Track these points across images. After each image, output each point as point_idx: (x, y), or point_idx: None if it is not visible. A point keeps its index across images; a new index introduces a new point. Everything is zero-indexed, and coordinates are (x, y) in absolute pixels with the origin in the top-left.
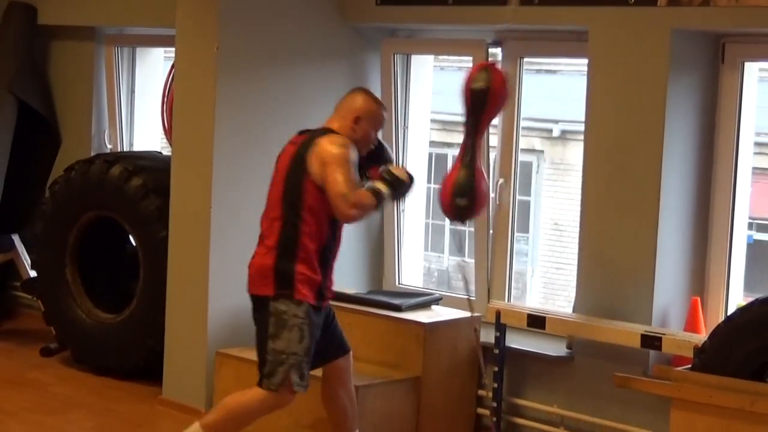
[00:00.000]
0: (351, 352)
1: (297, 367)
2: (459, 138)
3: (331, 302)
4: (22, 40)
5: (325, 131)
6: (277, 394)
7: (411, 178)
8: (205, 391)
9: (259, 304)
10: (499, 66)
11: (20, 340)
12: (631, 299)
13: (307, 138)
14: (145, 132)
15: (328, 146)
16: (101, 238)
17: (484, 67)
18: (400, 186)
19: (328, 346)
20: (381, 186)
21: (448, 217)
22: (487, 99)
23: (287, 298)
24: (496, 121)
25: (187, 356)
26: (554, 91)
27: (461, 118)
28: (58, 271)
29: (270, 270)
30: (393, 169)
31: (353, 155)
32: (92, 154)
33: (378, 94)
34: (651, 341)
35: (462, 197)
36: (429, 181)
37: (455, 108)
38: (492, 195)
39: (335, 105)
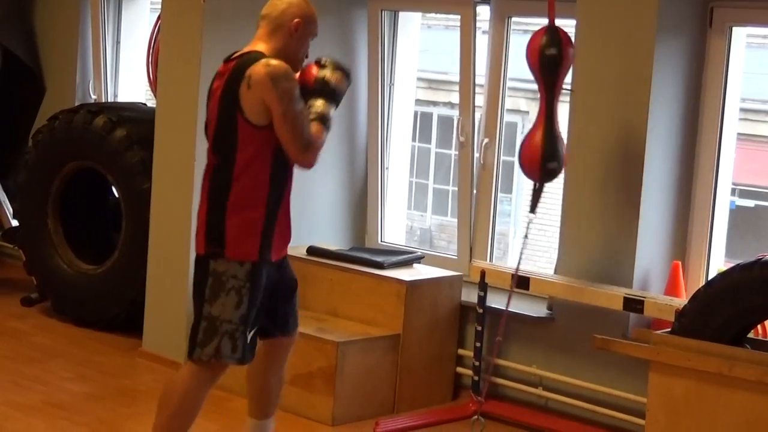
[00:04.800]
0: (296, 333)
1: (230, 336)
2: (445, 97)
3: (314, 258)
4: None
5: (256, 56)
6: (207, 368)
7: (349, 79)
8: (185, 344)
9: (198, 263)
10: (563, 28)
11: (1, 289)
12: (613, 262)
13: (236, 66)
14: (130, 83)
15: (266, 81)
16: (84, 188)
17: (553, 31)
18: (341, 95)
19: (275, 313)
20: (324, 107)
21: (535, 179)
22: (560, 64)
23: (221, 257)
24: (481, 80)
25: (167, 309)
26: None
27: (452, 77)
28: (40, 221)
29: (202, 224)
30: (330, 76)
31: (296, 86)
32: (76, 104)
33: (364, 51)
34: (633, 304)
35: (552, 161)
36: (414, 140)
37: (441, 66)
38: (477, 154)
39: (261, 16)
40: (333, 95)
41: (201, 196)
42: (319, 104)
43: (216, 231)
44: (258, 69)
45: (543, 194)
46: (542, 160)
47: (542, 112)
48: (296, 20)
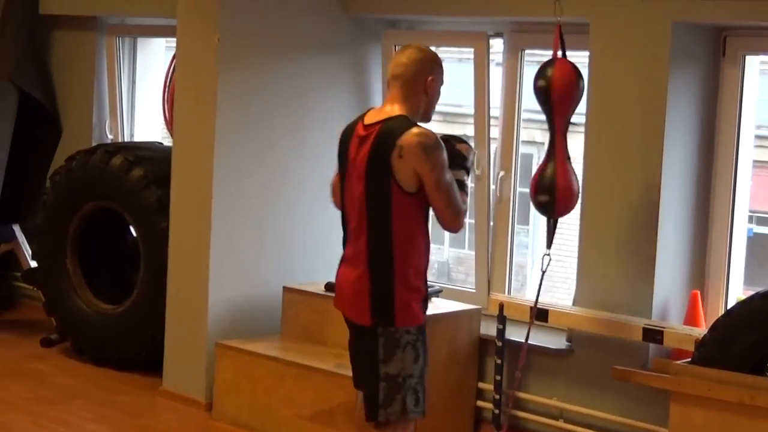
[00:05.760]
0: None
1: (413, 390)
2: (459, 129)
3: (332, 294)
4: (23, 30)
5: (402, 123)
6: (398, 426)
7: (473, 150)
8: (205, 382)
9: (359, 331)
10: (566, 58)
11: (21, 330)
12: (631, 292)
13: (383, 133)
14: (146, 122)
15: (419, 151)
16: (102, 228)
17: (549, 63)
18: (471, 164)
19: None
20: (460, 174)
21: (565, 213)
22: (550, 96)
23: (390, 326)
24: (496, 113)
25: (187, 347)
26: None
27: (466, 110)
28: (59, 261)
29: (365, 295)
30: (461, 148)
31: (446, 154)
32: (93, 144)
33: (378, 86)
34: (652, 335)
35: (543, 194)
36: None
37: (456, 99)
38: (493, 187)
39: (392, 76)
40: (464, 163)
41: (353, 260)
42: (455, 172)
43: (383, 303)
44: (410, 139)
45: (557, 227)
46: (535, 192)
47: (549, 145)
48: (429, 78)
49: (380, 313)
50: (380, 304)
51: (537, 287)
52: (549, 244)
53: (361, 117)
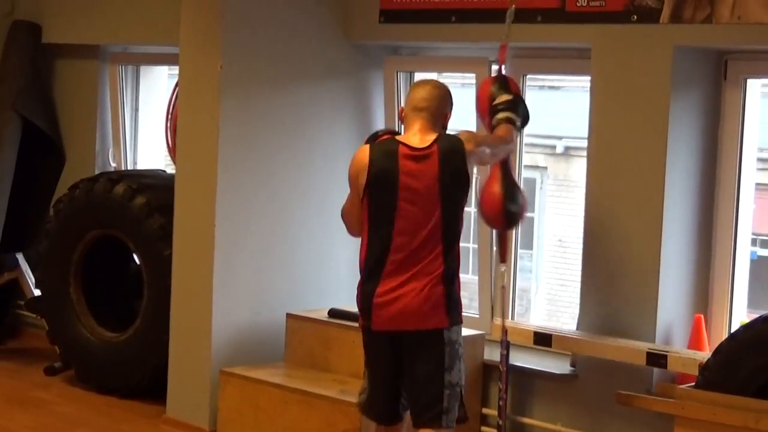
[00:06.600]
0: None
1: (461, 398)
2: None
3: (335, 320)
4: (26, 59)
5: (450, 135)
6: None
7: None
8: (209, 409)
9: (429, 338)
10: (508, 75)
11: (24, 359)
12: (635, 316)
13: (445, 146)
14: (149, 150)
15: (471, 137)
16: (105, 256)
17: (502, 81)
18: (517, 104)
19: None
20: (509, 114)
21: (497, 226)
22: None
23: (458, 325)
24: None
25: (191, 375)
26: (557, 107)
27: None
28: (63, 289)
29: (442, 299)
30: (499, 98)
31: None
32: (96, 172)
33: (381, 112)
34: (656, 359)
35: (514, 203)
36: None
37: (458, 124)
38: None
39: (420, 108)
40: (510, 106)
41: (424, 274)
42: (503, 114)
43: (454, 302)
44: (459, 138)
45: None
46: (503, 204)
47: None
48: (448, 114)
49: (454, 311)
50: (452, 304)
51: (499, 304)
52: (504, 257)
53: (395, 144)
